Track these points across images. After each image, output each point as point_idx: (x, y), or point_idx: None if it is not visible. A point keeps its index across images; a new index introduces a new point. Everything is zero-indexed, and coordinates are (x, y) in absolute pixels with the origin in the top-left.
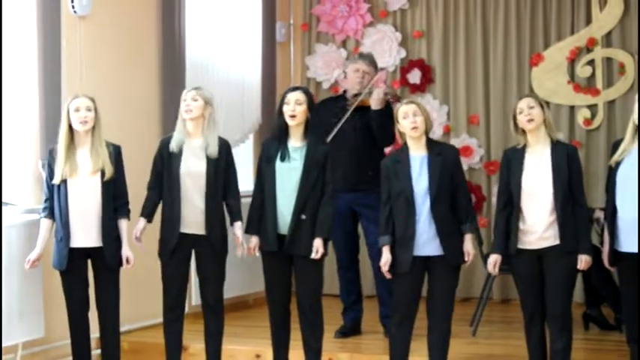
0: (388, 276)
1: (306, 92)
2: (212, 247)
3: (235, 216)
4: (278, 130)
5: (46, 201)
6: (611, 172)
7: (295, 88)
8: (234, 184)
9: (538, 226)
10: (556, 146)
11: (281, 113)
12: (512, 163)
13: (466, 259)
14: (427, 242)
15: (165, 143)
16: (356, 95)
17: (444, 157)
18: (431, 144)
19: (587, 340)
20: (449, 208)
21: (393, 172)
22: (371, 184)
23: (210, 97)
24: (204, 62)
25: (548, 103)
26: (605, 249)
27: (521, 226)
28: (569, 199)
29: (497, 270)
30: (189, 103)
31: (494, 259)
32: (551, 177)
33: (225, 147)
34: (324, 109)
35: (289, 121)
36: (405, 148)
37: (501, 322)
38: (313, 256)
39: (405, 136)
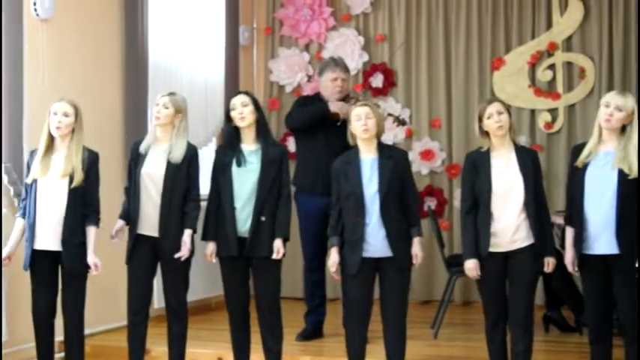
0: (336, 277)
1: (249, 94)
2: (167, 251)
3: (187, 223)
4: (229, 136)
5: (22, 201)
6: (577, 175)
7: (237, 93)
8: (194, 192)
9: (508, 228)
10: (520, 150)
11: (229, 120)
12: (477, 166)
13: (414, 262)
14: (377, 244)
15: (136, 145)
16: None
17: (394, 161)
18: (382, 147)
19: (547, 342)
20: (399, 210)
21: (343, 174)
22: None
23: (183, 104)
24: (168, 65)
25: (509, 106)
26: (570, 253)
27: (491, 228)
28: (536, 201)
29: (478, 273)
30: (159, 110)
31: (472, 264)
32: (522, 180)
33: (190, 153)
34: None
35: (240, 124)
36: (356, 151)
37: (462, 325)
38: (275, 256)
39: (357, 139)
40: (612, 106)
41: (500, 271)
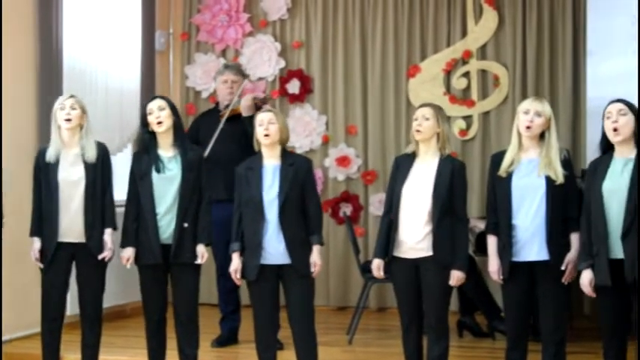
0: (238, 282)
1: (165, 98)
2: (92, 255)
3: (105, 222)
4: (145, 142)
5: None
6: (501, 184)
7: (153, 98)
8: (109, 190)
9: (413, 235)
10: (444, 160)
11: (144, 125)
12: (399, 169)
13: (312, 269)
14: (275, 251)
15: (41, 154)
16: (228, 106)
17: (296, 168)
18: (285, 154)
19: (461, 348)
20: (299, 218)
21: (245, 179)
22: None
23: (85, 105)
24: (83, 69)
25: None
26: (495, 262)
27: (398, 234)
28: (447, 213)
29: (382, 273)
30: (69, 112)
31: (377, 264)
32: (432, 189)
33: (102, 150)
34: (202, 125)
35: (158, 129)
36: (259, 157)
37: (377, 331)
38: (199, 261)
39: (260, 145)
40: (532, 112)
41: (409, 277)
